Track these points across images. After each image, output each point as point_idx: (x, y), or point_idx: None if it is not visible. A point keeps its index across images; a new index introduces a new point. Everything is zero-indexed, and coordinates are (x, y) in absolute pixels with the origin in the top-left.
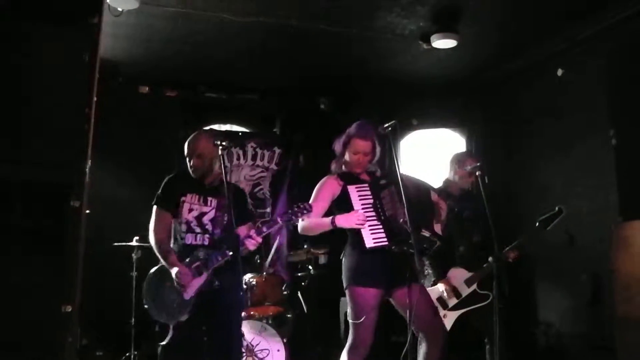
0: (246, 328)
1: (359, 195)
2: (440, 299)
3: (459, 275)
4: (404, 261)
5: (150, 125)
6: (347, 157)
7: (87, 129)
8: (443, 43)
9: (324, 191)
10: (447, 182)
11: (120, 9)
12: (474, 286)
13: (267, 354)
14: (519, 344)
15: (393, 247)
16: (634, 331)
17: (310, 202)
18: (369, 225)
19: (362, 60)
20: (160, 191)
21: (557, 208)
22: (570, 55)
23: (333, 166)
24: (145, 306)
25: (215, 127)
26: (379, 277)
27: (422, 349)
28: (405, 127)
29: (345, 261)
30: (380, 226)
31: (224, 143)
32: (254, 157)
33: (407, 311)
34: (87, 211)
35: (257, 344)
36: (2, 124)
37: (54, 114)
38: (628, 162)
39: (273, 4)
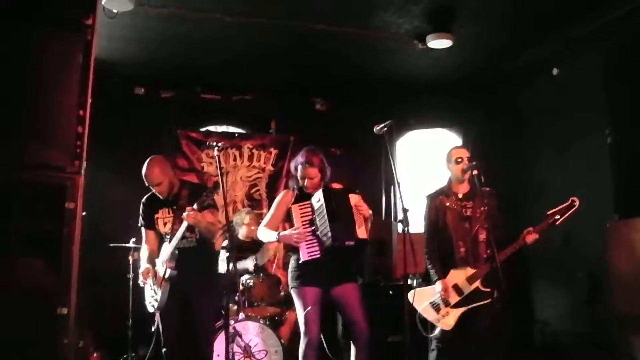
0: (244, 329)
1: (301, 213)
2: (442, 298)
3: (461, 273)
4: (341, 263)
5: (147, 126)
6: (299, 179)
7: (83, 131)
8: (438, 43)
9: (280, 204)
10: (448, 182)
11: (115, 11)
12: (476, 283)
13: (265, 355)
14: (515, 341)
15: (328, 258)
16: (630, 329)
17: (270, 211)
18: (307, 241)
19: (358, 61)
20: (141, 214)
21: (570, 200)
22: (567, 55)
23: (290, 183)
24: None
25: (212, 128)
26: (316, 278)
27: (352, 350)
28: (401, 127)
29: (289, 267)
30: (315, 241)
31: (219, 144)
32: (250, 158)
33: (340, 309)
34: (84, 213)
35: (255, 345)
36: None
37: (48, 115)
38: (624, 161)
39: (267, 4)
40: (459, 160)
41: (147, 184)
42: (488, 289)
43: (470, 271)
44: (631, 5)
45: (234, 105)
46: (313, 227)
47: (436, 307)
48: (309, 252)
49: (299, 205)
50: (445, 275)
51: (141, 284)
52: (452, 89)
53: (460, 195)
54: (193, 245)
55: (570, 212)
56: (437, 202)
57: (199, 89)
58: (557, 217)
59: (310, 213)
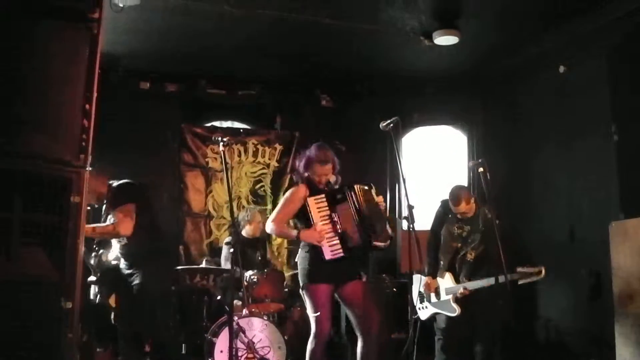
0: (248, 325)
1: (317, 208)
2: (426, 291)
3: (447, 280)
4: (349, 261)
5: (151, 121)
6: (309, 175)
7: (88, 124)
8: (445, 40)
9: (294, 200)
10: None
11: (121, 5)
12: (450, 297)
13: (269, 351)
14: (518, 338)
15: (348, 257)
16: (633, 326)
17: (280, 204)
18: (327, 239)
19: (364, 56)
20: None
21: (538, 268)
22: (572, 51)
23: (295, 178)
24: None
25: (217, 123)
26: (329, 275)
27: (358, 347)
28: (406, 123)
29: (299, 263)
30: (337, 240)
31: (224, 140)
32: (254, 154)
33: (349, 306)
34: (88, 207)
35: (259, 341)
36: (2, 118)
37: (54, 108)
38: (629, 159)
39: None
40: (458, 215)
41: None
42: (455, 305)
43: (452, 284)
44: (637, 4)
45: (238, 101)
46: (333, 224)
47: (421, 297)
48: (332, 251)
49: (315, 199)
50: (435, 274)
51: None
52: (457, 86)
53: (459, 217)
54: (124, 243)
55: (532, 279)
56: (442, 215)
57: (204, 84)
58: (521, 277)
59: (326, 207)
